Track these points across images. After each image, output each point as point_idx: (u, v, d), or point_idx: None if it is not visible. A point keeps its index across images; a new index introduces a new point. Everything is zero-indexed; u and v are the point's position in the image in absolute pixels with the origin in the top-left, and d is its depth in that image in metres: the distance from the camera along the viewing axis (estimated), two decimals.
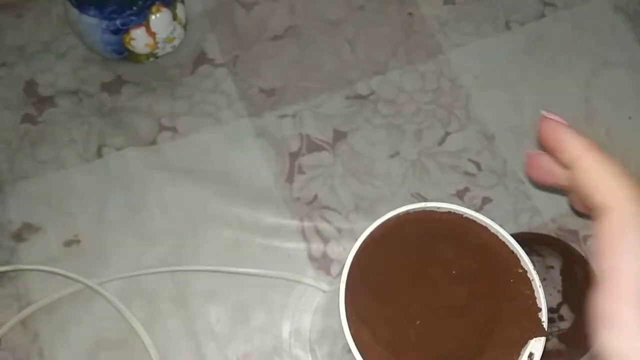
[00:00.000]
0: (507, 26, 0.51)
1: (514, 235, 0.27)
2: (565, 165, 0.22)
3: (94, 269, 0.39)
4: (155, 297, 0.39)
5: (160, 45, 0.43)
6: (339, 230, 0.42)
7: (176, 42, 0.44)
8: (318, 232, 0.42)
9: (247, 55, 0.47)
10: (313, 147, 0.45)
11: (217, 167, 0.43)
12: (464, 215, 0.27)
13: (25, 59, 0.46)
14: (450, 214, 0.27)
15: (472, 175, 0.45)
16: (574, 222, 0.45)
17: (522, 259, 0.26)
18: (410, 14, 0.51)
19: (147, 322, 0.38)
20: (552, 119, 0.23)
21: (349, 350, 0.28)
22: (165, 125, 0.44)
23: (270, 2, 0.50)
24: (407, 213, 0.27)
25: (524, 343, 0.25)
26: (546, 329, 0.25)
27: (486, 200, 0.45)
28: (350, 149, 0.45)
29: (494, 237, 0.27)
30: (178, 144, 0.44)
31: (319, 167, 0.44)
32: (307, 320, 0.40)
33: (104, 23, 0.40)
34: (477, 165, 0.46)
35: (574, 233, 0.44)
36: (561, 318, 0.41)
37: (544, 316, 0.25)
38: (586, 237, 0.44)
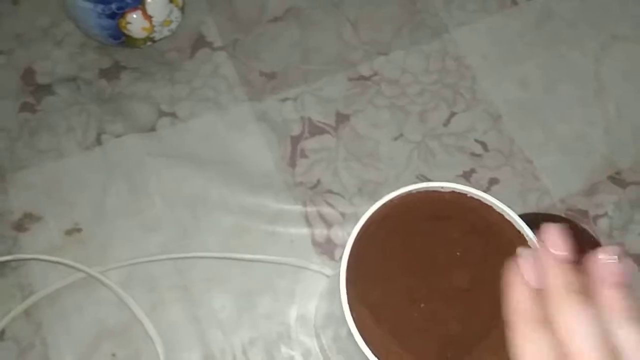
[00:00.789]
0: (514, 1, 0.50)
1: (521, 216, 0.26)
2: None
3: (95, 258, 0.39)
4: (158, 284, 0.38)
5: (157, 28, 0.42)
6: (343, 215, 0.42)
7: (173, 26, 0.43)
8: (321, 217, 0.41)
9: (247, 38, 0.46)
10: (315, 130, 0.44)
11: (218, 152, 0.43)
12: (469, 195, 0.26)
13: (23, 46, 0.45)
14: (454, 193, 0.26)
15: (479, 155, 0.44)
16: (584, 202, 0.44)
17: (529, 238, 0.25)
18: None
19: (150, 310, 0.38)
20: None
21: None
22: (165, 111, 0.44)
23: None
24: (409, 193, 0.26)
25: None
26: None
27: (493, 181, 0.44)
28: (353, 132, 0.44)
29: (500, 216, 0.26)
30: (178, 129, 0.43)
31: (322, 151, 0.44)
32: (311, 305, 0.39)
33: (100, 7, 0.40)
34: (484, 145, 0.45)
35: (584, 213, 0.43)
36: None
37: None
38: (596, 217, 0.43)
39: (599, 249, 0.22)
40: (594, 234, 0.40)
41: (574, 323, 0.20)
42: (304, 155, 0.43)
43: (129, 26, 0.41)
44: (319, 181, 0.43)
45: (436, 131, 0.45)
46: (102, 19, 0.40)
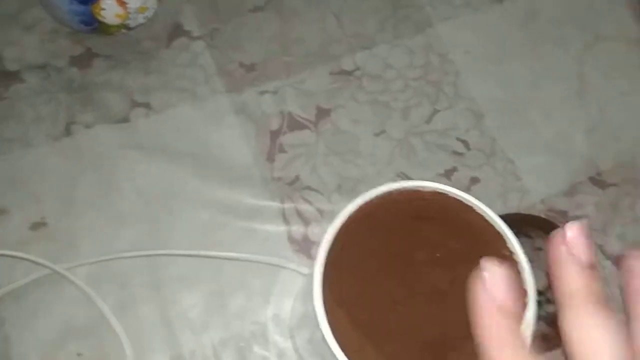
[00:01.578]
0: None
1: (502, 216, 0.26)
2: None
3: (62, 254, 0.37)
4: (128, 282, 0.37)
5: (132, 15, 0.40)
6: (321, 212, 0.41)
7: (149, 13, 0.42)
8: (299, 214, 0.40)
9: (226, 27, 0.45)
10: (295, 125, 0.43)
11: (194, 145, 0.41)
12: (450, 195, 0.26)
13: None
14: (435, 193, 0.26)
15: (460, 154, 0.44)
16: (564, 203, 0.43)
17: (509, 240, 0.25)
18: None
19: (118, 308, 0.36)
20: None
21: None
22: (139, 101, 0.42)
23: None
24: (390, 193, 0.25)
25: None
26: (534, 312, 0.23)
27: (474, 180, 0.43)
28: (333, 127, 0.43)
29: (480, 217, 0.25)
30: (152, 121, 0.42)
31: (301, 146, 0.42)
32: (286, 305, 0.38)
33: None
34: (466, 144, 0.44)
35: (564, 214, 0.43)
36: (548, 301, 0.40)
37: (531, 299, 0.24)
38: (576, 218, 0.43)
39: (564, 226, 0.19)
40: None
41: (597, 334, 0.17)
42: (282, 150, 0.42)
43: (102, 12, 0.39)
44: (297, 177, 0.41)
45: (418, 128, 0.44)
46: (75, 5, 0.39)
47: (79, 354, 0.35)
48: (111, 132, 0.41)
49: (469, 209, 0.26)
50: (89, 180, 0.39)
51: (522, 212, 0.42)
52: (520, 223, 0.42)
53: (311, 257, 0.39)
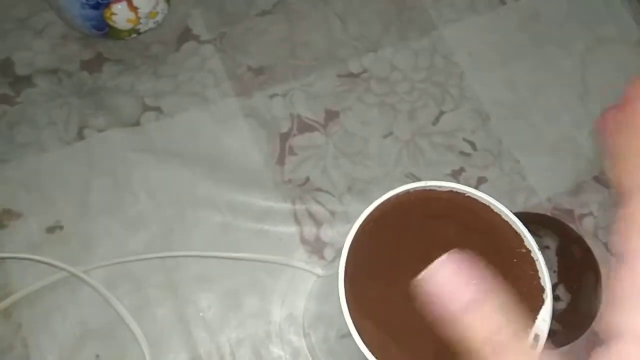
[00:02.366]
0: (502, 1, 0.50)
1: None
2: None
3: (78, 256, 0.38)
4: (144, 284, 0.38)
5: (142, 20, 0.41)
6: (332, 213, 0.41)
7: (159, 17, 0.42)
8: (310, 215, 0.41)
9: (234, 31, 0.46)
10: (304, 127, 0.44)
11: (205, 149, 0.42)
12: (466, 194, 0.26)
13: (0, 36, 0.43)
14: (452, 192, 0.26)
15: (467, 155, 0.44)
16: (570, 202, 0.44)
17: (526, 238, 0.25)
18: None
19: (135, 310, 0.37)
20: None
21: (343, 336, 0.27)
22: (149, 105, 0.42)
23: None
24: (407, 192, 0.26)
25: (529, 325, 0.24)
26: (550, 308, 0.24)
27: (481, 180, 0.44)
28: (342, 129, 0.44)
29: (497, 216, 0.26)
30: (163, 124, 0.42)
31: (311, 148, 0.43)
32: (300, 305, 0.38)
33: None
34: (472, 145, 0.45)
35: (570, 212, 0.44)
36: (557, 298, 0.41)
37: (548, 297, 0.24)
38: (582, 216, 0.44)
39: None
40: (579, 233, 0.41)
41: None
42: (292, 152, 0.43)
43: (113, 17, 0.40)
44: (307, 179, 0.42)
45: (425, 130, 0.45)
46: (86, 10, 0.39)
47: (97, 356, 0.35)
48: (123, 136, 0.41)
49: (485, 207, 0.26)
50: (102, 183, 0.40)
51: (529, 210, 0.43)
52: (527, 222, 0.43)
53: (323, 258, 0.40)
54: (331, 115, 0.44)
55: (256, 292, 0.38)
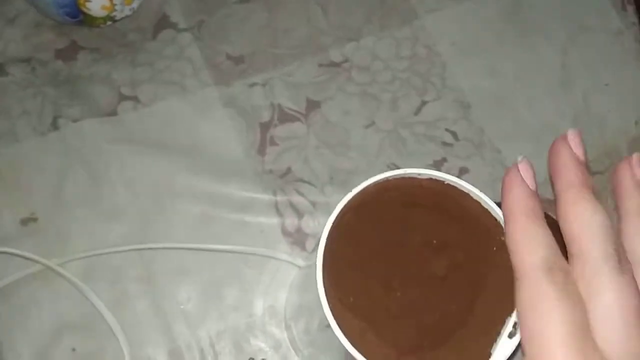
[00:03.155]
0: None
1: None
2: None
3: (53, 249, 0.37)
4: (121, 277, 0.37)
5: (118, 7, 0.40)
6: (314, 204, 0.41)
7: (135, 4, 0.41)
8: (292, 206, 0.40)
9: (213, 19, 0.45)
10: (285, 117, 0.43)
11: (183, 139, 0.41)
12: (446, 182, 0.26)
13: None
14: (431, 180, 0.26)
15: (449, 145, 0.44)
16: (551, 191, 0.44)
17: None
18: None
19: (112, 303, 0.36)
20: (568, 143, 0.22)
21: (327, 326, 0.27)
22: (126, 94, 0.42)
23: None
24: (386, 180, 0.26)
25: (508, 313, 0.24)
26: None
27: (463, 171, 0.43)
28: (324, 119, 0.44)
29: (477, 204, 0.26)
30: (140, 114, 0.41)
31: (292, 139, 0.43)
32: (282, 297, 0.38)
33: None
34: (454, 134, 0.45)
35: (551, 202, 0.44)
36: None
37: None
38: None
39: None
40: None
41: (584, 219, 0.19)
42: (273, 142, 0.42)
43: (87, 4, 0.39)
44: (289, 169, 0.42)
45: (407, 120, 0.44)
46: None
47: (73, 350, 0.35)
48: (99, 126, 0.40)
49: (465, 195, 0.26)
50: (78, 174, 0.39)
51: None
52: None
53: (305, 249, 0.39)
54: (312, 105, 0.44)
55: (237, 284, 0.38)
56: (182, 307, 0.37)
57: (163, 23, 0.44)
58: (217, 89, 0.43)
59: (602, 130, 0.47)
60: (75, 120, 0.40)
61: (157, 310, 0.36)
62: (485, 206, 0.26)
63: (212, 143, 0.41)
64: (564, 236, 0.20)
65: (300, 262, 0.38)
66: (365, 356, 0.23)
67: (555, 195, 0.21)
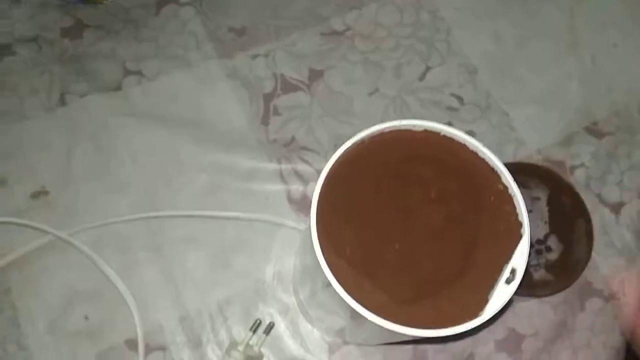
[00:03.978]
0: None
1: None
2: None
3: (64, 220, 0.38)
4: (130, 246, 0.37)
5: None
6: (318, 171, 0.40)
7: None
8: (297, 174, 0.41)
9: None
10: (288, 87, 0.43)
11: (188, 111, 0.42)
12: (442, 133, 0.26)
13: None
14: (427, 132, 0.26)
15: (455, 109, 0.44)
16: (561, 153, 0.43)
17: (503, 174, 0.25)
18: None
19: (123, 271, 0.37)
20: None
21: (328, 284, 0.27)
22: (131, 69, 0.42)
23: None
24: (381, 133, 0.26)
25: (505, 260, 0.24)
26: (528, 243, 0.24)
27: (470, 134, 0.43)
28: (327, 88, 0.43)
29: (473, 154, 0.26)
30: (145, 88, 0.42)
31: (296, 108, 0.43)
32: (288, 262, 0.38)
33: None
34: (460, 99, 0.44)
35: (561, 164, 0.43)
36: (549, 249, 0.40)
37: (526, 231, 0.24)
38: (573, 168, 0.43)
39: None
40: (571, 183, 0.40)
41: None
42: (277, 112, 0.42)
43: None
44: (293, 138, 0.42)
45: (412, 86, 0.44)
46: None
47: (86, 317, 0.36)
48: (105, 101, 0.41)
49: (461, 146, 0.26)
50: (85, 148, 0.40)
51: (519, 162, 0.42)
52: (516, 173, 0.42)
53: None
54: (315, 75, 0.44)
55: (244, 251, 0.38)
56: (191, 274, 0.37)
57: None
58: (219, 62, 0.43)
59: (610, 90, 0.46)
60: (82, 96, 0.41)
61: (166, 278, 0.37)
62: (482, 156, 0.25)
63: (216, 115, 0.42)
64: None
65: (305, 228, 0.39)
66: (363, 305, 0.23)
67: None
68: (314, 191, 0.25)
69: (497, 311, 0.23)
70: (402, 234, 0.25)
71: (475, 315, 0.23)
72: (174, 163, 0.40)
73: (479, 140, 0.42)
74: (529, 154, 0.43)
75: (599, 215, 0.42)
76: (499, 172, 0.25)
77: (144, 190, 0.39)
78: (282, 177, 0.40)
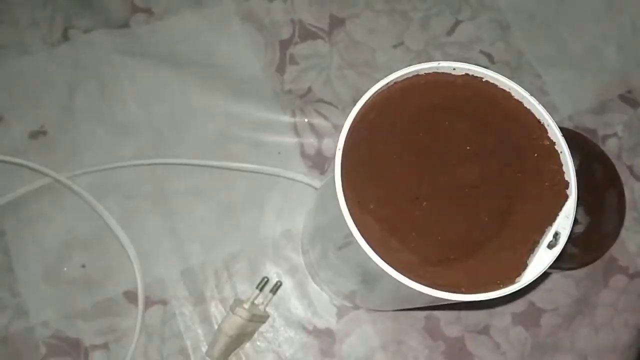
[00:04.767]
0: None
1: None
2: None
3: (63, 163, 0.35)
4: (133, 193, 0.35)
5: None
6: (335, 127, 0.38)
7: None
8: (312, 128, 0.38)
9: None
10: (307, 34, 0.40)
11: (199, 54, 0.39)
12: (484, 79, 0.23)
13: None
14: (468, 77, 0.23)
15: (484, 68, 0.41)
16: (593, 120, 0.41)
17: (551, 127, 0.22)
18: None
19: (124, 219, 0.35)
20: None
21: (341, 247, 0.25)
22: (139, 6, 0.39)
23: None
24: (416, 75, 0.23)
25: (548, 222, 0.22)
26: (575, 205, 0.21)
27: None
28: (348, 38, 0.41)
29: (519, 104, 0.23)
30: (154, 27, 0.39)
31: (314, 57, 0.40)
32: (299, 221, 0.36)
33: None
34: (490, 57, 0.41)
35: (592, 132, 0.41)
36: (575, 221, 0.38)
37: (572, 192, 0.22)
38: (605, 137, 0.40)
39: None
40: (604, 150, 0.38)
41: None
42: (293, 61, 0.39)
43: None
44: (309, 89, 0.39)
45: (439, 40, 0.41)
46: None
47: (83, 266, 0.34)
48: (111, 38, 0.38)
49: (505, 95, 0.23)
50: (88, 87, 0.37)
51: None
52: None
53: (324, 173, 0.37)
54: (336, 23, 0.41)
55: (252, 206, 0.36)
56: (196, 227, 0.35)
57: None
58: (234, 3, 0.40)
59: None
60: (86, 32, 0.38)
61: (170, 229, 0.35)
62: (528, 106, 0.23)
63: (228, 60, 0.39)
64: None
65: (319, 185, 0.36)
66: (388, 264, 0.21)
67: None
68: (334, 140, 0.22)
69: (536, 277, 0.21)
70: (432, 191, 0.22)
71: (511, 280, 0.21)
72: (181, 108, 0.37)
73: None
74: (560, 120, 0.40)
75: (629, 189, 0.40)
76: (546, 125, 0.23)
77: (149, 134, 0.37)
78: (296, 131, 0.38)
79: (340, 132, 0.22)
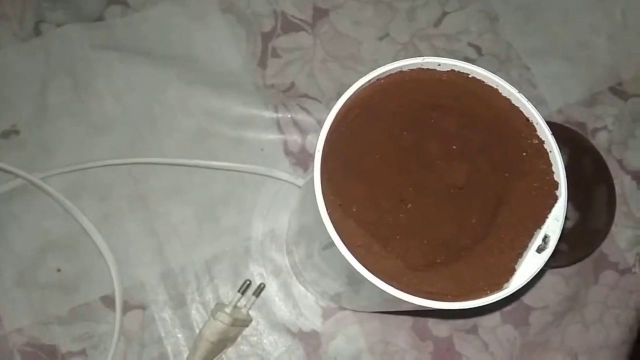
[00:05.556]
0: None
1: None
2: None
3: (36, 163, 0.34)
4: (110, 193, 0.34)
5: None
6: (319, 122, 0.37)
7: None
8: (295, 124, 0.37)
9: None
10: (289, 26, 0.39)
11: (177, 47, 0.37)
12: (470, 75, 0.22)
13: None
14: (453, 73, 0.22)
15: (472, 60, 0.40)
16: (583, 113, 0.40)
17: (539, 125, 0.21)
18: None
19: (100, 221, 0.33)
20: None
21: (325, 247, 0.24)
22: None
23: None
24: (400, 72, 0.22)
25: (537, 225, 0.21)
26: (565, 206, 0.21)
27: None
28: (332, 30, 0.39)
29: (506, 101, 0.22)
30: (130, 20, 0.37)
31: (297, 50, 0.39)
32: (283, 220, 0.35)
33: None
34: (478, 49, 0.40)
35: (582, 126, 0.40)
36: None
37: (562, 193, 0.21)
38: (595, 130, 0.40)
39: None
40: (595, 146, 0.37)
41: None
42: (276, 54, 0.38)
43: None
44: (292, 84, 0.38)
45: (426, 31, 0.40)
46: None
47: (58, 270, 0.32)
48: (85, 32, 0.37)
49: (492, 91, 0.22)
50: (62, 84, 0.36)
51: None
52: None
53: (307, 171, 0.36)
54: (320, 14, 0.39)
55: (234, 205, 0.35)
56: (176, 227, 0.34)
57: None
58: None
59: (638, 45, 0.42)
60: (59, 25, 0.37)
61: (148, 230, 0.34)
62: (516, 103, 0.22)
63: (208, 53, 0.37)
64: None
65: (303, 183, 0.35)
66: (369, 270, 0.20)
67: None
68: (318, 137, 0.21)
69: (525, 283, 0.20)
70: (417, 192, 0.22)
71: (499, 286, 0.20)
72: (160, 105, 0.36)
73: None
74: (549, 113, 0.39)
75: (618, 183, 0.39)
76: (534, 123, 0.22)
77: (127, 132, 0.35)
78: (279, 127, 0.37)
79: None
